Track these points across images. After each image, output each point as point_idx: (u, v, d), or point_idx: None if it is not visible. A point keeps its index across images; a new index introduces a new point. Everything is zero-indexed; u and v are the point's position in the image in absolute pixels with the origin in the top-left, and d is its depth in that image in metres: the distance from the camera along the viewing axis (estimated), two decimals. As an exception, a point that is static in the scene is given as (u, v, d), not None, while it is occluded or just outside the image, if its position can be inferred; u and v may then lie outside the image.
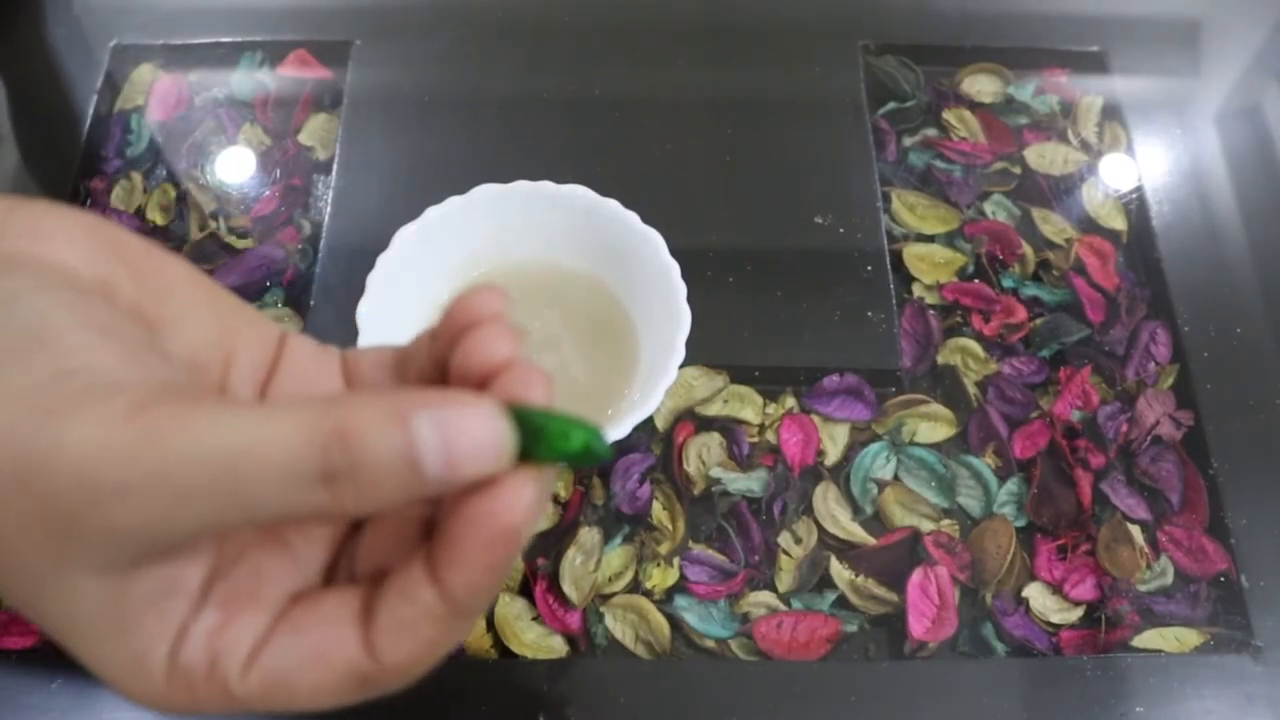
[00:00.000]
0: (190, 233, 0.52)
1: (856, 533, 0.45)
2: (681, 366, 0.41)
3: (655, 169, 0.54)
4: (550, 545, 0.45)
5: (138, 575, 0.19)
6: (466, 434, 0.18)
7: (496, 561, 0.20)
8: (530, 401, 0.20)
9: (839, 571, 0.44)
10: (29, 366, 0.18)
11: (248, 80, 0.57)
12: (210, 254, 0.51)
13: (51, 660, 0.42)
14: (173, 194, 0.53)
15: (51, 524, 0.18)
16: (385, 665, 0.21)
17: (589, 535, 0.45)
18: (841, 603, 0.44)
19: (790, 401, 0.48)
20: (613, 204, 0.44)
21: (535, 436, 0.19)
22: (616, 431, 0.39)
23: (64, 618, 0.20)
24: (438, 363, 0.22)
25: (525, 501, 0.19)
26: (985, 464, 0.47)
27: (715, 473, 0.46)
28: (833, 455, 0.47)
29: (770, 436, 0.47)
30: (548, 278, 0.47)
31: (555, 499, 0.45)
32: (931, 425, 0.48)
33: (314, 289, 0.50)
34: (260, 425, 0.18)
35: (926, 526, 0.45)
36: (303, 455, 0.18)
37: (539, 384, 0.20)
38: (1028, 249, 0.53)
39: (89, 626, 0.20)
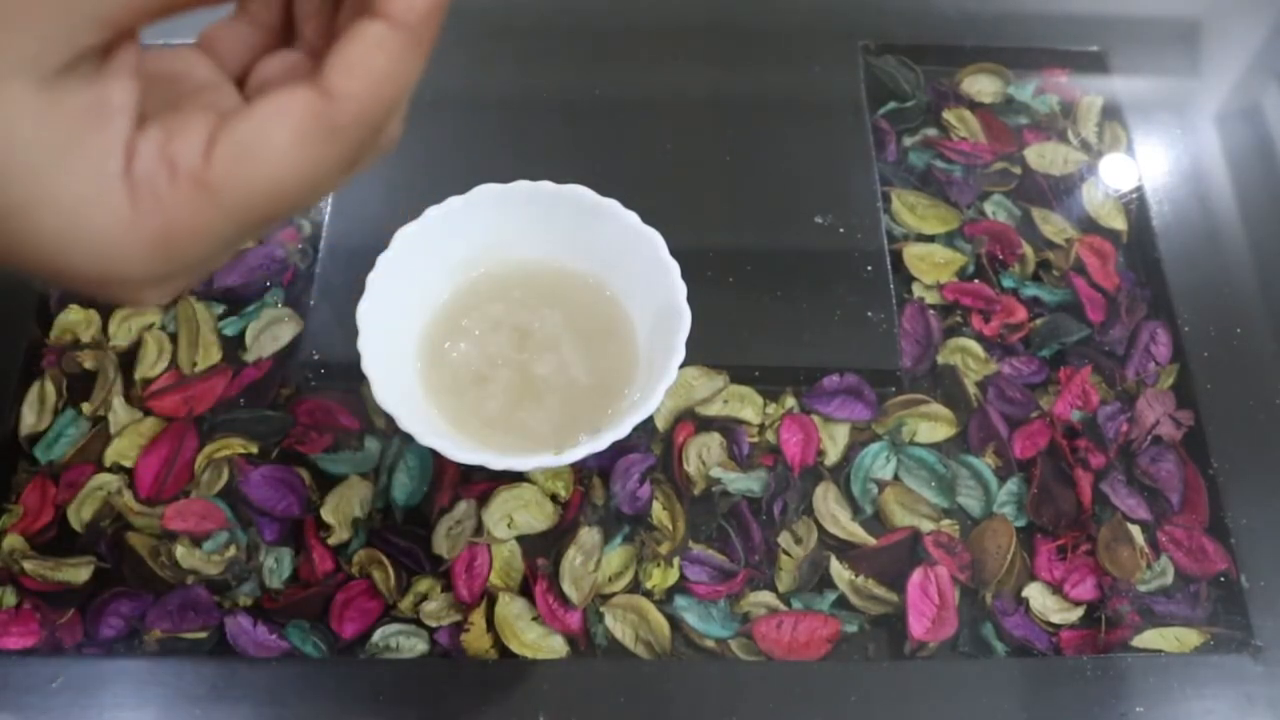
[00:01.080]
0: (190, 233, 0.52)
1: (856, 533, 0.45)
2: (681, 366, 0.41)
3: (655, 169, 0.54)
4: (550, 545, 0.45)
5: (67, 89, 0.19)
6: None
7: None
8: None
9: (839, 571, 0.44)
10: None
11: (248, 80, 0.57)
12: (210, 254, 0.51)
13: (51, 660, 0.42)
14: (173, 194, 0.53)
15: None
16: (342, 98, 0.21)
17: (589, 535, 0.45)
18: (841, 603, 0.44)
19: (790, 401, 0.48)
20: (613, 204, 0.44)
21: None
22: (616, 431, 0.39)
23: (9, 149, 0.19)
24: None
25: None
26: (985, 464, 0.47)
27: (715, 473, 0.46)
28: (833, 455, 0.47)
29: (770, 436, 0.47)
30: (548, 278, 0.47)
31: (555, 499, 0.45)
32: (931, 425, 0.48)
33: (314, 289, 0.50)
34: None
35: (926, 526, 0.45)
36: None
37: None
38: (1028, 249, 0.53)
39: (36, 149, 0.19)
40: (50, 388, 0.48)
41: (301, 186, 0.21)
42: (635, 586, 0.44)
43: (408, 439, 0.40)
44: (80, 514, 0.45)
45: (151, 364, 0.48)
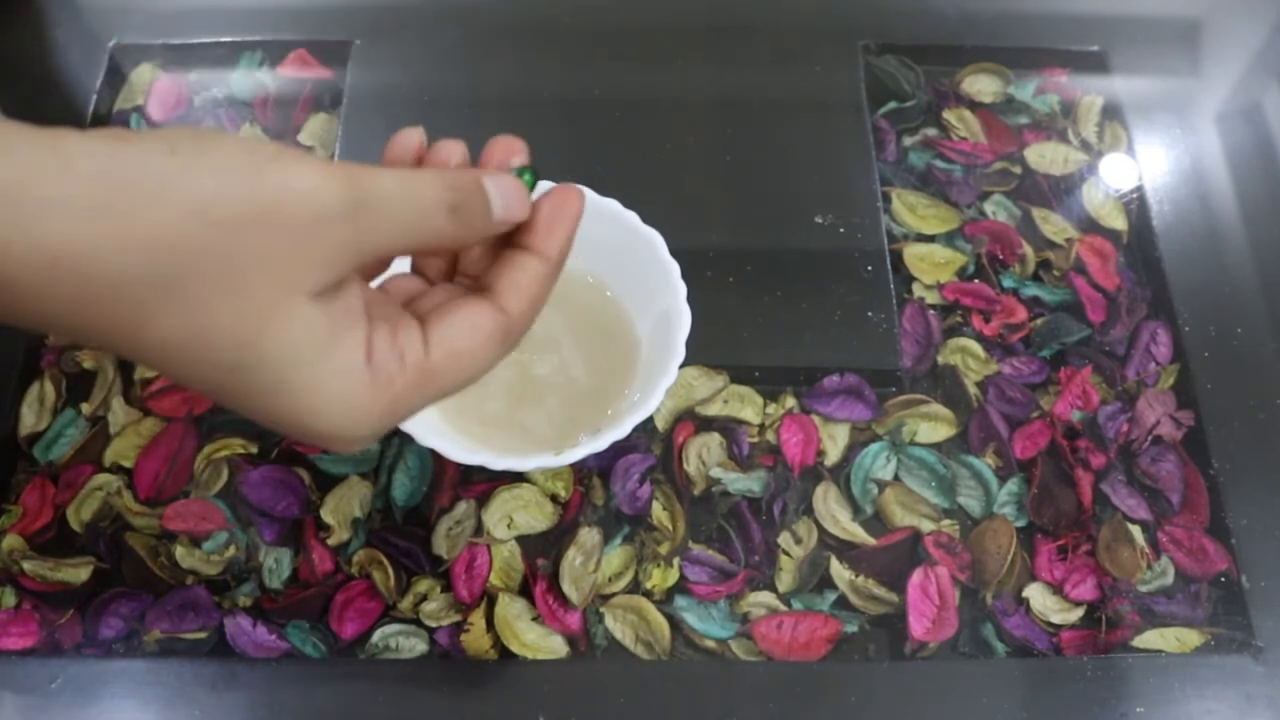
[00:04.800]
0: (190, 233, 0.52)
1: (857, 533, 0.45)
2: (681, 366, 0.41)
3: (655, 169, 0.54)
4: (550, 545, 0.45)
5: (331, 303, 0.26)
6: (510, 188, 0.29)
7: (572, 230, 0.30)
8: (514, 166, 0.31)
9: (839, 571, 0.44)
10: (230, 140, 0.24)
11: (247, 80, 0.57)
12: (210, 254, 0.51)
13: (51, 660, 0.42)
14: (172, 194, 0.53)
15: (286, 249, 0.24)
16: (514, 315, 0.29)
17: (589, 535, 0.45)
18: (841, 603, 0.44)
19: (790, 401, 0.48)
20: (613, 204, 0.44)
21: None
22: (616, 432, 0.39)
23: (286, 345, 0.25)
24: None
25: (579, 194, 0.31)
26: (985, 464, 0.47)
27: (715, 473, 0.46)
28: (833, 455, 0.47)
29: (770, 436, 0.47)
30: (548, 278, 0.46)
31: (555, 499, 0.45)
32: (932, 425, 0.48)
33: (314, 289, 0.50)
34: (415, 178, 0.27)
35: (927, 527, 0.45)
36: (441, 193, 0.27)
37: (516, 150, 0.31)
38: (1028, 249, 0.53)
39: (306, 349, 0.25)
40: (50, 388, 0.48)
41: (482, 372, 0.29)
42: (635, 587, 0.44)
43: (407, 439, 0.40)
44: (80, 514, 0.45)
45: (151, 364, 0.48)
